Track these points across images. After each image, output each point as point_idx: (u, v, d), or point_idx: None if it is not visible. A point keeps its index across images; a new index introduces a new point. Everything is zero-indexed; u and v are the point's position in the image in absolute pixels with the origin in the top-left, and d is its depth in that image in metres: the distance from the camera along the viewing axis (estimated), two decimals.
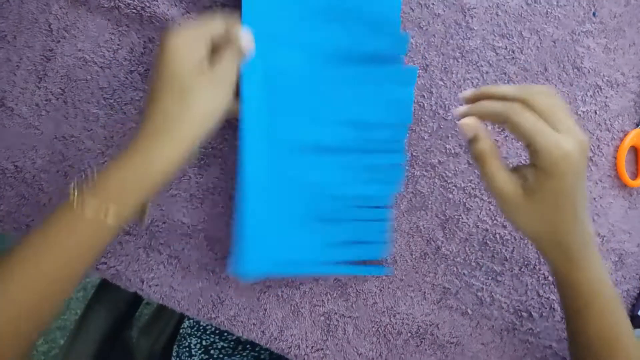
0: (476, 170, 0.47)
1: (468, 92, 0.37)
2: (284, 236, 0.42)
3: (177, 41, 0.34)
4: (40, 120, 0.40)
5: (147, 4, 0.40)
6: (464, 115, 0.35)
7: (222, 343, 0.58)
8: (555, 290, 0.47)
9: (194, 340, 0.58)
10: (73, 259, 0.32)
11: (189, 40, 0.34)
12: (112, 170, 0.32)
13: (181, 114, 0.33)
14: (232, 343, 0.58)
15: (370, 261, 0.46)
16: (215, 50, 0.36)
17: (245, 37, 0.36)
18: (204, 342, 0.58)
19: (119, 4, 0.40)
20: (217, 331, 0.58)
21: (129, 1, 0.40)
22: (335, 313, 0.45)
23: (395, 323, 0.46)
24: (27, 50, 0.39)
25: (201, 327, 0.59)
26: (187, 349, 0.58)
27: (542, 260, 0.49)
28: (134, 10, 0.40)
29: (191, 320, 0.59)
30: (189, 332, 0.59)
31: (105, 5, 0.40)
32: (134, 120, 0.41)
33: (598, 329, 0.38)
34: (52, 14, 0.40)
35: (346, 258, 0.45)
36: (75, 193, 0.32)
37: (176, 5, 0.41)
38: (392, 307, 0.46)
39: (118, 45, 0.40)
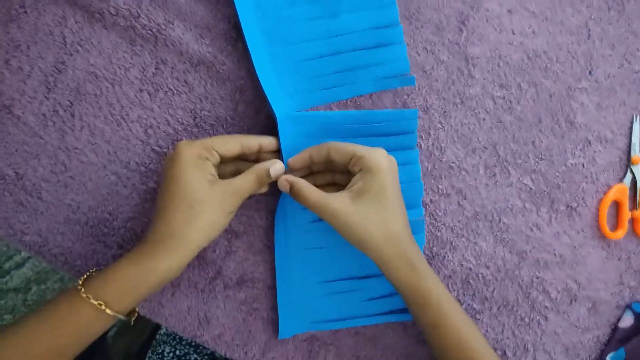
0: (465, 212, 0.47)
1: (292, 158, 0.40)
2: (323, 297, 0.44)
3: (190, 151, 0.36)
4: (46, 130, 0.39)
5: (163, 27, 0.39)
6: (297, 162, 0.40)
7: (196, 355, 0.57)
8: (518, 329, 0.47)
9: (167, 349, 0.57)
10: (66, 343, 0.33)
11: (201, 152, 0.36)
12: (117, 270, 0.34)
13: (187, 226, 0.35)
14: (206, 357, 0.57)
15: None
16: (241, 157, 0.39)
17: (278, 168, 0.39)
18: (177, 352, 0.57)
19: (135, 24, 0.39)
20: (192, 343, 0.58)
21: (145, 22, 0.39)
22: (318, 340, 0.45)
23: (375, 354, 0.46)
24: (39, 60, 0.39)
25: (177, 337, 0.58)
26: (161, 356, 0.57)
27: (520, 301, 0.49)
28: (149, 32, 0.39)
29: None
30: (165, 339, 0.59)
31: (122, 24, 0.39)
32: (140, 138, 0.40)
33: (456, 340, 0.39)
34: (68, 27, 0.39)
35: (384, 310, 0.45)
36: (82, 285, 0.34)
37: (191, 30, 0.40)
38: (373, 338, 0.45)
39: (130, 63, 0.40)
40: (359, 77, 0.43)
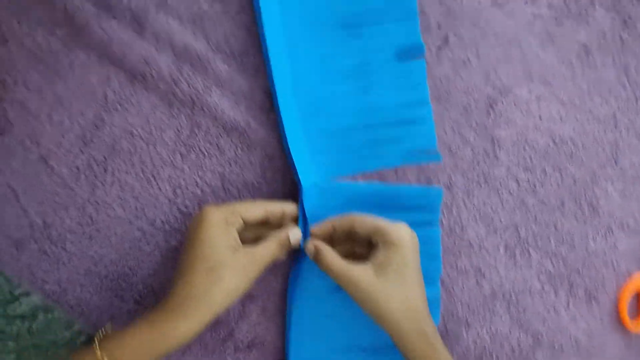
0: (483, 290, 0.46)
1: (315, 226, 0.41)
2: None
3: (216, 216, 0.36)
4: (78, 182, 0.40)
5: (201, 92, 0.41)
6: (320, 230, 0.40)
7: None
8: None
9: None
10: None
11: (227, 216, 0.37)
12: (135, 332, 0.34)
13: (208, 290, 0.35)
14: None
15: None
16: (262, 223, 0.40)
17: (296, 234, 0.40)
18: None
19: (175, 88, 0.40)
20: None
21: (185, 87, 0.40)
22: None
23: None
24: (79, 116, 0.40)
25: None
26: None
27: None
28: (187, 96, 0.41)
29: None
30: None
31: (162, 87, 0.40)
32: (168, 197, 0.41)
33: None
34: (110, 87, 0.40)
35: None
36: (98, 345, 0.34)
37: (227, 97, 0.42)
38: None
39: (166, 125, 0.41)
40: (386, 150, 0.44)
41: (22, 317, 0.49)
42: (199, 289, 0.34)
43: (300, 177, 0.41)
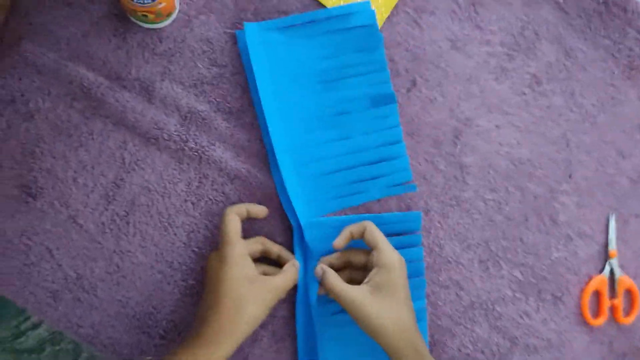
0: (462, 302, 0.67)
1: (336, 240, 0.61)
2: None
3: (236, 252, 0.57)
4: (104, 236, 0.59)
5: (207, 149, 0.61)
6: (341, 240, 0.61)
7: None
8: None
9: None
10: None
11: (244, 252, 0.58)
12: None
13: (234, 321, 0.56)
14: None
15: None
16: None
17: (297, 264, 0.63)
18: None
19: (184, 147, 0.60)
20: None
21: (192, 145, 0.61)
22: None
23: None
24: (101, 178, 0.59)
25: None
26: None
27: None
28: (195, 153, 0.61)
29: None
30: None
31: (172, 147, 0.60)
32: (183, 241, 0.60)
33: None
34: (127, 150, 0.60)
35: None
36: None
37: (229, 150, 0.62)
38: None
39: (178, 179, 0.61)
40: (369, 187, 0.66)
41: (30, 350, 0.67)
42: (228, 320, 0.56)
43: (298, 215, 0.61)
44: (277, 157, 0.63)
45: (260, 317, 0.57)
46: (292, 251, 0.64)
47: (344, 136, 0.66)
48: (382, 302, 0.57)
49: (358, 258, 0.62)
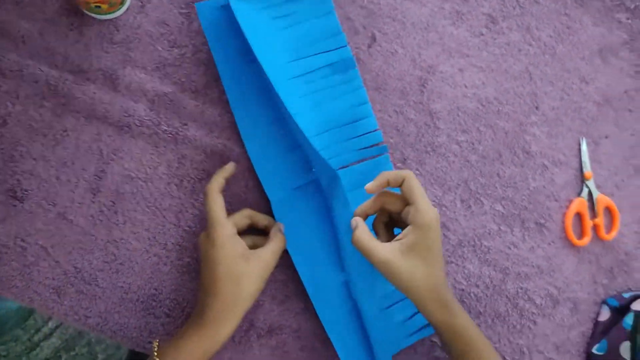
0: (450, 241, 0.68)
1: (370, 184, 0.59)
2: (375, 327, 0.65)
3: (224, 233, 0.57)
4: (95, 228, 0.59)
5: (180, 129, 0.61)
6: (375, 186, 0.58)
7: None
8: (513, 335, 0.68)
9: None
10: None
11: (233, 231, 0.57)
12: (187, 341, 0.55)
13: (236, 299, 0.56)
14: None
15: None
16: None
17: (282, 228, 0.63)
18: None
19: (157, 130, 0.60)
20: None
21: (165, 128, 0.61)
22: None
23: None
24: (83, 172, 0.59)
25: None
26: None
27: (509, 311, 0.70)
28: (169, 135, 0.61)
29: None
30: None
31: (146, 132, 0.60)
32: (173, 222, 0.60)
33: None
34: (102, 141, 0.60)
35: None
36: (158, 355, 0.54)
37: (202, 128, 0.62)
38: None
39: (157, 162, 0.61)
40: (340, 151, 0.66)
41: None
42: (228, 300, 0.57)
43: (267, 192, 0.64)
44: (242, 134, 0.63)
45: (258, 291, 0.58)
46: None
47: (309, 106, 0.66)
48: (414, 262, 0.55)
49: (393, 205, 0.59)
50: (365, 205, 0.60)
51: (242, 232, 0.61)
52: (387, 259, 0.55)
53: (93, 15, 0.61)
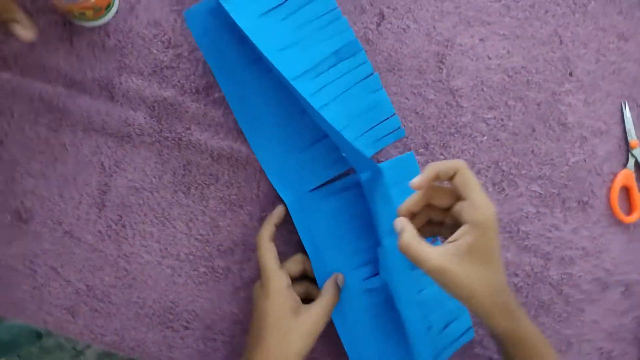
0: None
1: (416, 179, 0.49)
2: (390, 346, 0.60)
3: (278, 285, 0.53)
4: (104, 244, 0.56)
5: (183, 134, 0.57)
6: (423, 180, 0.49)
7: None
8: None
9: None
10: None
11: (286, 283, 0.54)
12: None
13: (283, 353, 0.52)
14: None
15: None
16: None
17: (341, 278, 0.57)
18: None
19: (159, 137, 0.56)
20: None
21: (167, 134, 0.56)
22: None
23: None
24: (86, 187, 0.56)
25: None
26: None
27: (554, 299, 0.64)
28: (172, 141, 0.57)
29: None
30: None
31: (148, 141, 0.56)
32: (183, 232, 0.57)
33: None
34: (103, 154, 0.56)
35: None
36: None
37: (206, 130, 0.57)
38: None
39: (162, 171, 0.57)
40: (359, 144, 0.59)
41: None
42: (274, 354, 0.52)
43: (282, 194, 0.59)
44: (248, 138, 0.58)
45: (307, 348, 0.53)
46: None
47: (323, 103, 0.59)
48: (473, 267, 0.46)
49: (441, 200, 0.50)
50: (410, 202, 0.51)
51: (295, 279, 0.57)
52: (442, 266, 0.46)
53: (81, 23, 0.56)
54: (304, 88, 0.58)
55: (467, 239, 0.46)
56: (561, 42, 0.66)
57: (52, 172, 0.57)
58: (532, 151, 0.66)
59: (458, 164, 0.48)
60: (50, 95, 0.56)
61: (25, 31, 0.51)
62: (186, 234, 0.59)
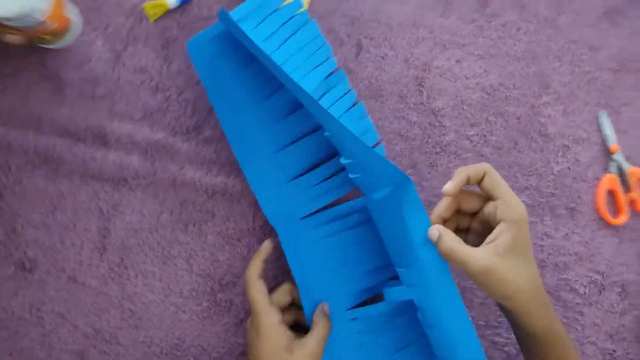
0: None
1: (448, 184, 0.50)
2: None
3: (269, 322, 0.52)
4: (108, 286, 0.57)
5: (177, 174, 0.58)
6: (455, 185, 0.49)
7: None
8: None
9: None
10: None
11: (277, 320, 0.53)
12: None
13: None
14: None
15: None
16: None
17: (326, 307, 0.57)
18: None
19: (154, 179, 0.58)
20: None
21: (162, 175, 0.58)
22: None
23: None
24: (86, 233, 0.57)
25: None
26: None
27: (553, 305, 0.64)
28: (167, 181, 0.59)
29: None
30: None
31: (143, 183, 0.58)
32: (184, 269, 0.58)
33: None
34: (101, 199, 0.58)
35: None
36: None
37: (199, 169, 0.59)
38: None
39: (159, 211, 0.58)
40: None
41: None
42: None
43: (272, 222, 0.59)
44: (242, 167, 0.59)
45: None
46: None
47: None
48: (516, 263, 0.47)
49: (470, 204, 0.51)
50: (441, 208, 0.51)
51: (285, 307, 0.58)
52: (488, 265, 0.46)
53: (45, 46, 0.57)
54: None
55: (506, 236, 0.47)
56: (535, 57, 0.68)
57: (53, 221, 0.58)
58: (517, 163, 0.67)
59: (485, 166, 0.50)
60: (45, 146, 0.58)
61: (13, 37, 0.52)
62: (187, 271, 0.61)
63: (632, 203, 0.70)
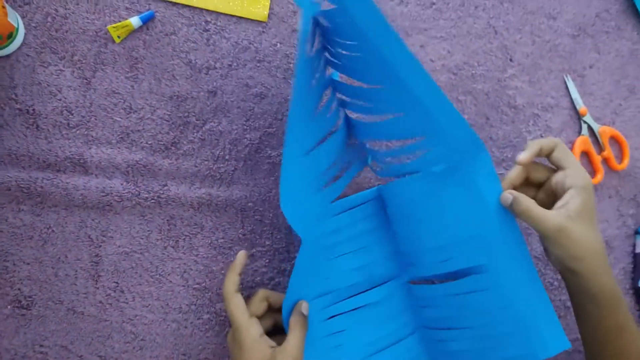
0: None
1: (523, 154, 0.54)
2: None
3: (249, 336, 0.51)
4: (107, 312, 0.57)
5: (161, 192, 0.58)
6: (529, 155, 0.53)
7: None
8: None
9: None
10: None
11: (257, 332, 0.52)
12: None
13: None
14: None
15: None
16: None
17: (305, 305, 0.55)
18: None
19: (139, 199, 0.58)
20: None
21: (146, 195, 0.58)
22: None
23: None
24: (78, 262, 0.57)
25: None
26: None
27: (541, 270, 0.66)
28: (152, 200, 0.58)
29: None
30: None
31: (129, 205, 0.57)
32: (180, 284, 0.58)
33: (630, 328, 0.55)
34: (88, 227, 0.57)
35: None
36: None
37: (182, 183, 0.58)
38: None
39: (148, 231, 0.58)
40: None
41: None
42: None
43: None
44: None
45: None
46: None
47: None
48: (585, 226, 0.50)
49: (539, 174, 0.56)
50: (512, 175, 0.55)
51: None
52: (562, 224, 0.49)
53: None
54: None
55: (576, 201, 0.51)
56: (496, 32, 0.69)
57: (44, 255, 0.58)
58: (491, 138, 0.68)
59: (556, 140, 0.55)
60: (26, 181, 0.57)
61: None
62: (184, 286, 0.60)
63: (606, 161, 0.71)
